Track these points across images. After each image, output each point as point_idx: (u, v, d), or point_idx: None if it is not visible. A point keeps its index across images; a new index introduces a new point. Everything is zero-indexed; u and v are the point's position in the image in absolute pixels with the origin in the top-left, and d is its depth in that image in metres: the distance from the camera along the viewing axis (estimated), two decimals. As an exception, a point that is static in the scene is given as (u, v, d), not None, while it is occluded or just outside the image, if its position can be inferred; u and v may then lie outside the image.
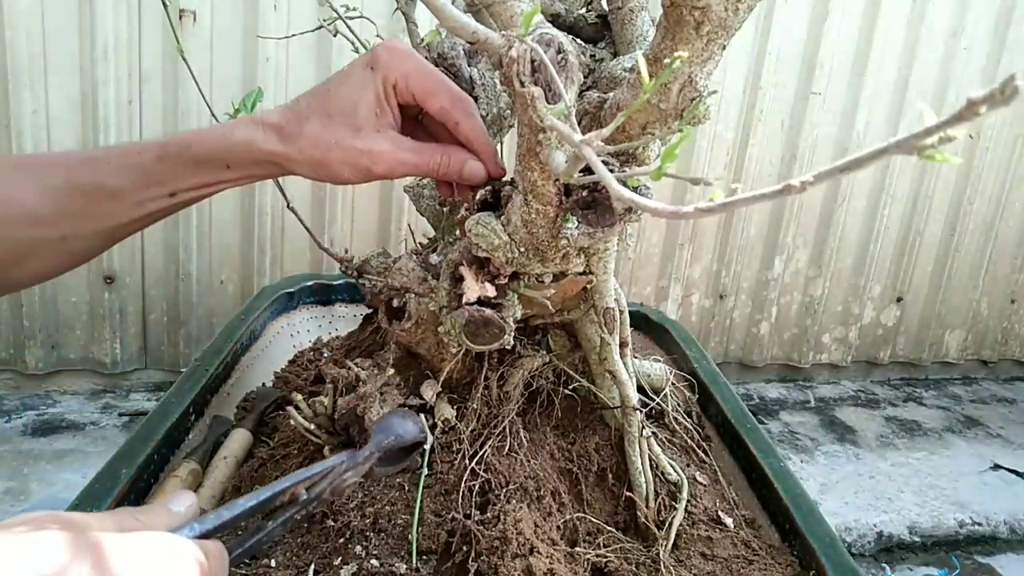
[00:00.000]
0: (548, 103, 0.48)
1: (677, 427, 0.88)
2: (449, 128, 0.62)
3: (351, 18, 0.99)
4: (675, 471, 0.79)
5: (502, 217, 0.61)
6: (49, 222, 0.59)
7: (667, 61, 0.47)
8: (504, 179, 0.64)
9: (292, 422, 0.73)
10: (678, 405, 0.92)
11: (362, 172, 0.59)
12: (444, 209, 0.93)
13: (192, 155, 0.59)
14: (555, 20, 0.77)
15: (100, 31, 1.66)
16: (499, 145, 0.98)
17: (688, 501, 0.77)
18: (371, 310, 0.96)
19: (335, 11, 0.98)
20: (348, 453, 0.53)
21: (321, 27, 1.03)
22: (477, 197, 0.62)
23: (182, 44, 1.60)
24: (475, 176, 0.62)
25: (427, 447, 0.71)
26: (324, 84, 0.61)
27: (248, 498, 0.48)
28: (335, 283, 1.28)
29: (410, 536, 0.66)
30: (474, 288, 0.63)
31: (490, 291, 0.63)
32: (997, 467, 2.08)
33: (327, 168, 0.59)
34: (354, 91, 0.59)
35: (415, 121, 0.65)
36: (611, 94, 0.60)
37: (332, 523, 0.67)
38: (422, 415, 0.70)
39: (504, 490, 0.69)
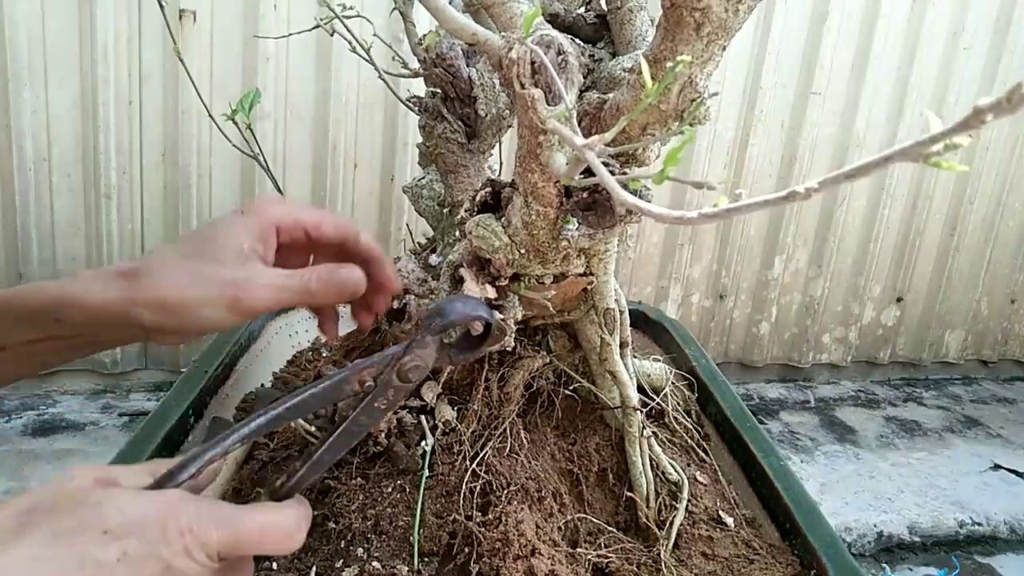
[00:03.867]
0: (549, 105, 0.48)
1: (677, 427, 0.88)
2: (349, 246, 0.58)
3: (349, 18, 0.99)
4: (675, 471, 0.79)
5: (502, 219, 0.61)
6: None
7: (669, 64, 0.47)
8: (504, 181, 0.64)
9: (292, 424, 0.73)
10: (678, 405, 0.92)
11: (228, 304, 0.50)
12: (444, 210, 0.93)
13: (21, 304, 0.51)
14: (554, 20, 0.77)
15: (100, 31, 1.65)
16: (498, 146, 0.98)
17: (689, 501, 0.77)
18: (371, 311, 0.96)
19: (332, 11, 0.98)
20: (404, 343, 0.51)
21: (319, 26, 1.03)
22: (477, 199, 0.62)
23: (182, 44, 1.60)
24: (349, 284, 0.54)
25: (428, 448, 0.71)
26: (185, 232, 0.55)
27: (312, 385, 0.48)
28: (335, 283, 1.27)
29: (412, 538, 0.66)
30: (474, 290, 0.63)
31: (491, 292, 0.63)
32: (997, 467, 2.08)
33: (180, 308, 0.49)
34: (222, 232, 0.52)
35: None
36: (611, 95, 0.59)
37: (333, 525, 0.67)
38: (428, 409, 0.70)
39: (505, 491, 0.69)
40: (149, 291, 0.49)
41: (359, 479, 0.69)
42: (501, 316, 0.63)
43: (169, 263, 0.50)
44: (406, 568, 0.64)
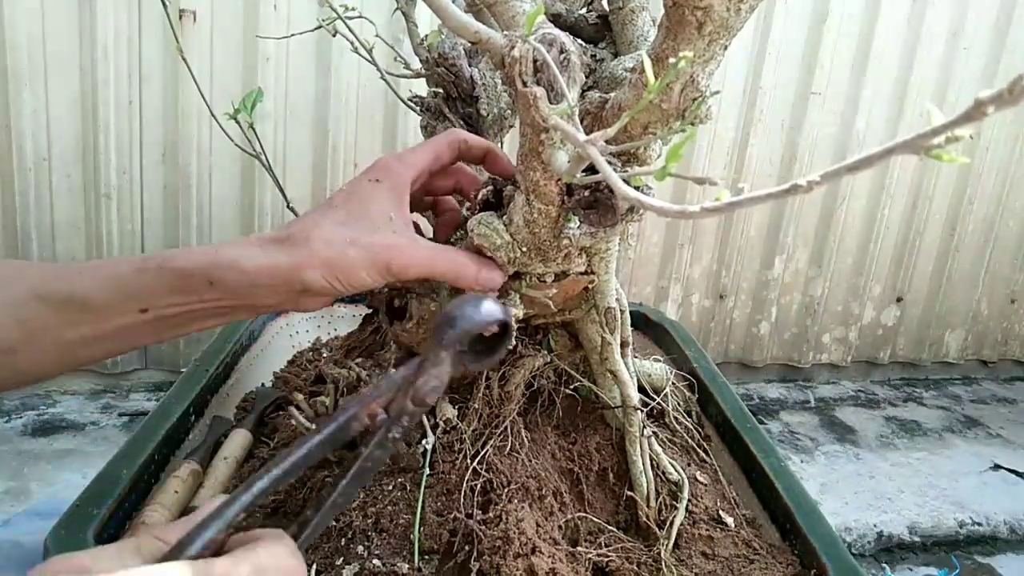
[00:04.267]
0: (551, 103, 0.48)
1: (677, 427, 0.88)
2: (463, 154, 0.64)
3: (350, 18, 0.99)
4: (676, 470, 0.79)
5: (504, 217, 0.61)
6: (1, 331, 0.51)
7: (671, 61, 0.47)
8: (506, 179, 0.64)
9: (293, 422, 0.73)
10: (678, 405, 0.92)
11: (381, 269, 0.54)
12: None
13: (172, 267, 0.52)
14: (556, 20, 0.77)
15: (100, 31, 1.66)
16: (500, 145, 0.98)
17: (689, 500, 0.77)
18: (371, 310, 0.96)
19: (334, 11, 0.97)
20: (414, 362, 0.44)
21: (320, 27, 1.03)
22: (479, 197, 0.62)
23: (182, 44, 1.60)
24: (489, 284, 0.60)
25: (428, 446, 0.71)
26: (327, 203, 0.57)
27: (315, 433, 0.43)
28: (335, 283, 1.27)
29: (412, 536, 0.66)
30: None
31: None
32: (997, 467, 2.08)
33: (343, 269, 0.53)
34: (367, 203, 0.56)
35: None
36: (612, 94, 0.60)
37: (334, 523, 0.67)
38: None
39: (506, 490, 0.69)
40: (315, 255, 0.53)
41: (360, 478, 0.69)
42: (514, 311, 0.63)
43: (326, 229, 0.54)
44: (407, 566, 0.64)
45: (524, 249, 0.60)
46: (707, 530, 0.76)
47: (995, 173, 2.40)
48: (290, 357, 1.12)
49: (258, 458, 0.82)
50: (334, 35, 1.01)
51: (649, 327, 1.19)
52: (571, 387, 0.81)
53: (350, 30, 0.98)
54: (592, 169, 0.34)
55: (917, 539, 1.79)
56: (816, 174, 0.20)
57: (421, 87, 0.91)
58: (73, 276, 0.53)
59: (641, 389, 0.85)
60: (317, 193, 1.89)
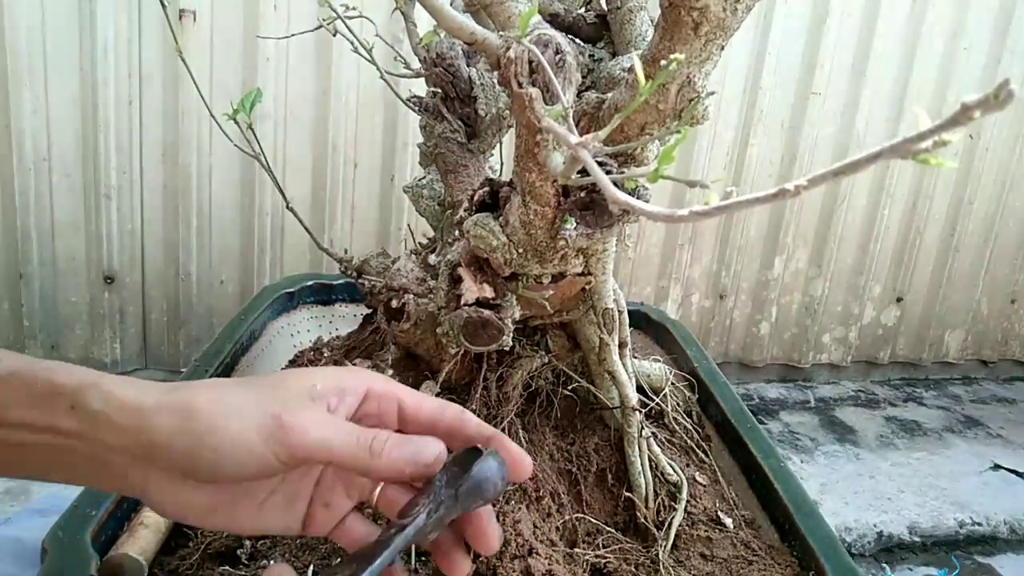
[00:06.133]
0: (546, 104, 0.48)
1: (677, 427, 0.88)
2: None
3: (350, 18, 0.99)
4: (675, 471, 0.79)
5: (500, 218, 0.61)
6: None
7: (664, 63, 0.47)
8: (502, 180, 0.64)
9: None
10: (678, 405, 0.92)
11: (266, 436, 0.40)
12: (445, 211, 0.93)
13: (34, 371, 0.41)
14: (554, 20, 0.77)
15: (100, 31, 1.66)
16: (498, 145, 0.98)
17: (688, 501, 0.77)
18: (371, 310, 0.96)
19: (334, 11, 0.98)
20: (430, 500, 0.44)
21: (321, 27, 1.03)
22: (475, 198, 0.62)
23: (182, 44, 1.60)
24: (425, 456, 0.44)
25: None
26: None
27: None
28: (335, 283, 1.28)
29: (409, 537, 0.66)
30: (473, 289, 0.63)
31: (488, 292, 0.63)
32: (997, 467, 2.07)
33: (208, 429, 0.39)
34: (292, 377, 0.45)
35: None
36: (609, 94, 0.60)
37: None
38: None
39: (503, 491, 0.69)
40: (178, 394, 0.41)
41: (358, 478, 0.70)
42: (499, 316, 0.63)
43: (209, 383, 0.43)
44: (402, 566, 0.64)
45: (521, 250, 0.60)
46: (706, 531, 0.76)
47: (995, 173, 2.39)
48: (291, 357, 1.12)
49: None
50: (334, 35, 1.01)
51: (650, 327, 1.20)
52: (569, 388, 0.81)
53: (350, 30, 0.98)
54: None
55: (917, 539, 1.79)
56: (804, 178, 0.20)
57: (421, 87, 0.91)
58: None
59: (640, 389, 0.85)
60: (317, 193, 1.89)
